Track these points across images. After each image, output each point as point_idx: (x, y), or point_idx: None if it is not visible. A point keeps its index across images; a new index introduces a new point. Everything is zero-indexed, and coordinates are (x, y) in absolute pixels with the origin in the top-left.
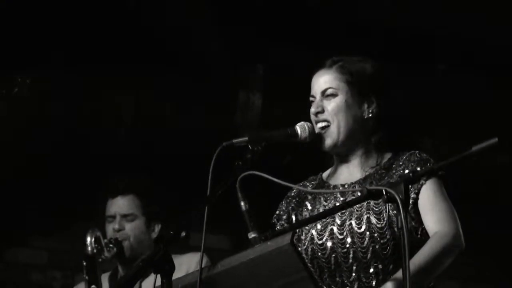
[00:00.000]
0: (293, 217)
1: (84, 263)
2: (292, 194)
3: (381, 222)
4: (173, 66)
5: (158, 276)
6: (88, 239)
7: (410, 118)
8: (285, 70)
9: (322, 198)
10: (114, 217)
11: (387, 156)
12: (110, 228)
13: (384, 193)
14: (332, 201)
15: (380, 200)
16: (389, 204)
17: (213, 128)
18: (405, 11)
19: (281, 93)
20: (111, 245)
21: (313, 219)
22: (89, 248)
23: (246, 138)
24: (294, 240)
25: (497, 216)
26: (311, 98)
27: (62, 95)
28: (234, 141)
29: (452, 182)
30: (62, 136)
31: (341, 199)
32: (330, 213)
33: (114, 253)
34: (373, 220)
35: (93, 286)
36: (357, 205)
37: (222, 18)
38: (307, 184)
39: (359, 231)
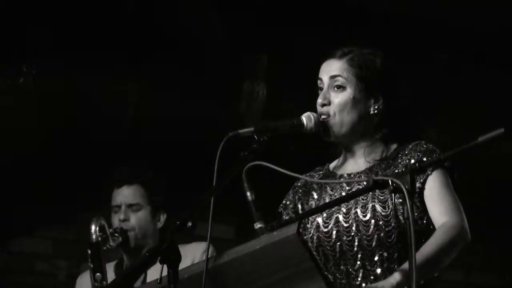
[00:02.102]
0: (299, 207)
1: (89, 252)
2: (299, 184)
3: (386, 210)
4: (177, 56)
5: (164, 266)
6: (93, 227)
7: (413, 109)
8: (290, 59)
9: (328, 188)
10: (119, 207)
11: (393, 147)
12: (116, 218)
13: (390, 183)
14: (338, 190)
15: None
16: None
17: (217, 118)
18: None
19: (286, 83)
20: (116, 235)
21: (320, 209)
22: (94, 237)
23: (252, 129)
24: (300, 230)
25: (501, 205)
26: (318, 81)
27: (66, 85)
28: (240, 131)
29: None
30: (66, 126)
31: (347, 188)
32: (336, 203)
33: (120, 243)
34: (378, 208)
35: (98, 274)
36: (342, 192)
37: (224, 6)
38: (314, 174)
39: (364, 219)
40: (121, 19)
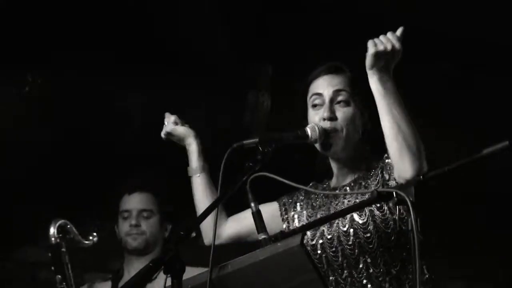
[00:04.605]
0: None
1: (49, 254)
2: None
3: (363, 218)
4: (182, 66)
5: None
6: (51, 229)
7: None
8: (294, 70)
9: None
10: (129, 212)
11: (375, 158)
12: (126, 224)
13: (394, 195)
14: (324, 205)
15: (363, 197)
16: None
17: (222, 128)
18: (408, 6)
19: (290, 94)
20: (94, 234)
21: (324, 221)
22: (52, 239)
23: (256, 140)
24: (303, 241)
25: (498, 215)
26: (314, 97)
27: (72, 95)
28: (245, 142)
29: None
30: (71, 136)
31: (335, 203)
32: (340, 214)
33: (95, 242)
34: (356, 217)
35: (58, 276)
36: (342, 206)
37: (230, 18)
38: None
39: (343, 229)
40: (130, 31)
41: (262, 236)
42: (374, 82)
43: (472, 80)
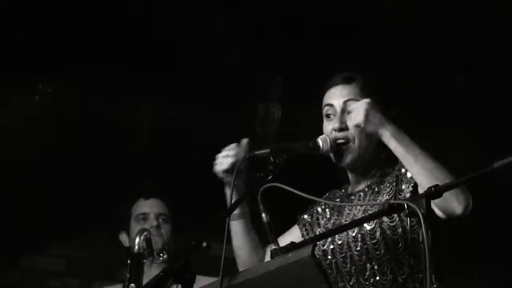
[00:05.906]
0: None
1: (129, 261)
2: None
3: (371, 224)
4: (191, 77)
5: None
6: (137, 239)
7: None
8: (304, 81)
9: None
10: (147, 214)
11: (389, 164)
12: (142, 226)
13: (405, 207)
14: (339, 210)
15: (374, 205)
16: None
17: (232, 139)
18: (417, 16)
19: (300, 104)
20: (164, 251)
21: (334, 232)
22: (137, 247)
23: (268, 150)
24: (315, 252)
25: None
26: (326, 108)
27: (79, 105)
28: (256, 153)
29: None
30: (78, 145)
31: (346, 212)
32: (354, 225)
33: (165, 260)
34: (364, 223)
35: (132, 285)
36: (355, 211)
37: (241, 29)
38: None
39: (352, 235)
40: (141, 43)
41: (273, 247)
42: (388, 138)
43: (475, 87)
